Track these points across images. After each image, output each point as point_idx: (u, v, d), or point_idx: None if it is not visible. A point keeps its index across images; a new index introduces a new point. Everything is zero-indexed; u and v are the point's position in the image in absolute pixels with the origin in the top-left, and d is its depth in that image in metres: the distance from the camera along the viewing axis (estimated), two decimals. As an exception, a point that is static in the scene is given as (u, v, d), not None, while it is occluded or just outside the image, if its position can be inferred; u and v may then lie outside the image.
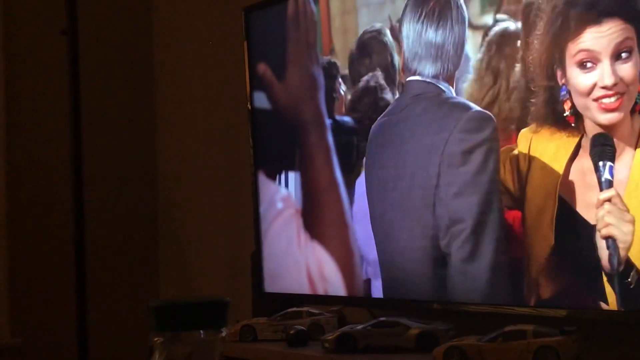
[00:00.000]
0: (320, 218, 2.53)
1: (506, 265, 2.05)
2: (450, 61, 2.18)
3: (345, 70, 2.47)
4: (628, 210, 1.81)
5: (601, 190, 1.85)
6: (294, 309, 2.44)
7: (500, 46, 2.06)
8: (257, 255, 2.73)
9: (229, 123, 3.26)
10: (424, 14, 2.22)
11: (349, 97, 2.46)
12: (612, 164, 1.85)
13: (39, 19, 3.39)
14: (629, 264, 1.81)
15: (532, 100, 1.98)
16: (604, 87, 1.85)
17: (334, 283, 2.49)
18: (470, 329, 2.02)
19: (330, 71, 2.51)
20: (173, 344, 0.69)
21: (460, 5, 2.15)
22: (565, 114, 1.92)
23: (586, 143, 1.91)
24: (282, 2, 2.60)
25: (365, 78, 2.40)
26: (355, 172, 2.43)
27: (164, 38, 3.61)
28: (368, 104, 2.38)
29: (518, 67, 2.02)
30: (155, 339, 0.70)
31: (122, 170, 3.57)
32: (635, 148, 1.83)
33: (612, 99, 1.85)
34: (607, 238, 1.83)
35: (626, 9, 1.82)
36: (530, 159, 2.00)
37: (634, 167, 1.82)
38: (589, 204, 1.89)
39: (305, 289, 2.56)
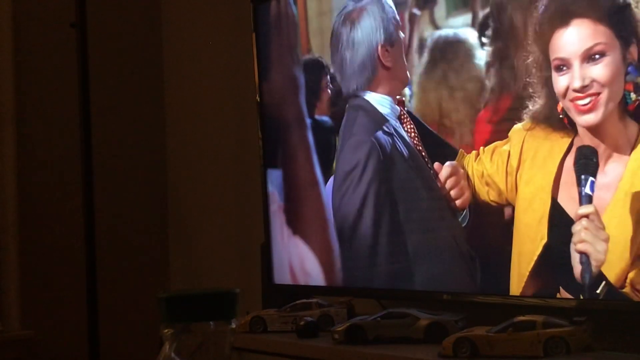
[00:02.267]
0: (301, 214, 2.60)
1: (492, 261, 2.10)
2: None
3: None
4: (604, 228, 1.81)
5: (581, 204, 1.85)
6: (304, 300, 2.44)
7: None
8: (266, 247, 2.73)
9: (238, 115, 3.26)
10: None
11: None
12: (593, 179, 1.85)
13: (48, 11, 3.40)
14: (600, 277, 1.82)
15: (530, 101, 1.99)
16: (574, 90, 1.86)
17: (314, 277, 2.55)
18: (480, 320, 2.02)
19: (315, 69, 2.55)
20: (183, 335, 0.70)
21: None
22: (560, 116, 1.92)
23: (579, 142, 1.91)
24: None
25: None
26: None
27: (172, 30, 3.61)
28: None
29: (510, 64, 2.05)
30: (166, 330, 0.70)
31: (132, 162, 3.57)
32: (630, 153, 1.80)
33: (586, 101, 1.85)
34: (581, 253, 1.84)
35: (597, 10, 1.82)
36: (522, 156, 2.01)
37: (625, 175, 1.80)
38: (575, 199, 1.89)
39: (288, 283, 2.64)
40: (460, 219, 2.16)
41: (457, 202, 2.16)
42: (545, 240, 1.96)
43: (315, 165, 2.56)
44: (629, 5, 1.77)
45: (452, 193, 2.16)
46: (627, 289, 1.79)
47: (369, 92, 2.36)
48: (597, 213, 1.83)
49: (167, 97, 3.63)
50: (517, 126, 2.02)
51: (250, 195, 3.03)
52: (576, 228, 1.86)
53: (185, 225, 3.55)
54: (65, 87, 3.27)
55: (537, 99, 1.97)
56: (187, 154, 3.54)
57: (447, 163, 2.18)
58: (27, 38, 3.40)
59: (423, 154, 2.27)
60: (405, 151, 2.29)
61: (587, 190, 1.85)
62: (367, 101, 2.36)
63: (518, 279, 2.02)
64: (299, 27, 2.62)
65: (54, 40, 3.36)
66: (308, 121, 2.58)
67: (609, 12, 1.81)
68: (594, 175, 1.85)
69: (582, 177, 1.86)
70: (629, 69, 1.79)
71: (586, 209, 1.84)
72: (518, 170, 2.03)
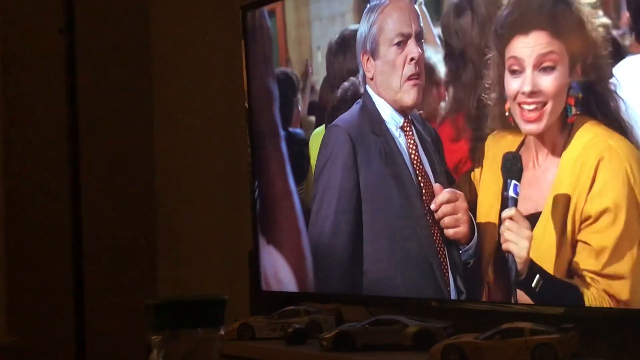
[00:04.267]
0: (275, 224, 2.65)
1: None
2: None
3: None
4: (529, 227, 1.96)
5: (506, 206, 1.98)
6: (292, 307, 2.44)
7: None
8: (254, 254, 2.73)
9: (226, 122, 3.26)
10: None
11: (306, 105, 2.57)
12: (517, 183, 1.98)
13: (37, 17, 3.39)
14: (532, 270, 1.95)
15: (490, 103, 2.07)
16: (523, 94, 1.96)
17: (287, 286, 2.61)
18: (467, 327, 2.02)
19: (289, 82, 2.58)
20: (172, 342, 0.69)
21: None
22: (506, 114, 2.02)
23: (528, 142, 2.01)
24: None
25: (344, 84, 2.44)
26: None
27: (161, 36, 3.61)
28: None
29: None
30: (154, 337, 0.70)
31: (120, 169, 3.56)
32: (560, 155, 1.94)
33: (532, 107, 1.96)
34: (507, 252, 1.99)
35: (554, 24, 1.93)
36: (482, 163, 2.10)
37: (560, 167, 1.93)
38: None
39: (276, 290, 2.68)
40: (461, 252, 2.15)
41: (450, 232, 2.16)
42: (498, 242, 2.05)
43: (288, 175, 2.59)
44: (583, 24, 1.88)
45: (446, 220, 2.17)
46: (574, 280, 1.89)
47: (371, 90, 2.34)
48: (519, 214, 1.97)
49: (155, 103, 3.63)
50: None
51: (239, 202, 3.03)
52: (502, 229, 2.00)
53: (174, 232, 3.54)
54: (53, 93, 3.26)
55: (491, 95, 2.05)
56: (176, 160, 3.54)
57: (449, 189, 2.18)
58: (15, 44, 3.39)
59: (417, 171, 2.25)
60: (388, 160, 2.28)
61: (511, 193, 1.98)
62: (370, 98, 2.35)
63: (488, 285, 2.09)
64: (276, 39, 2.66)
65: (42, 46, 3.35)
66: (282, 132, 2.62)
67: (564, 30, 1.92)
68: (518, 180, 1.98)
69: (507, 180, 1.99)
70: (573, 84, 1.92)
71: (509, 211, 1.98)
72: (481, 177, 2.10)
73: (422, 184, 2.24)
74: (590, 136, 1.90)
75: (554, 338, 1.82)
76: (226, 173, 3.26)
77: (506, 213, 1.98)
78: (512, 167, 1.99)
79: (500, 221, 2.02)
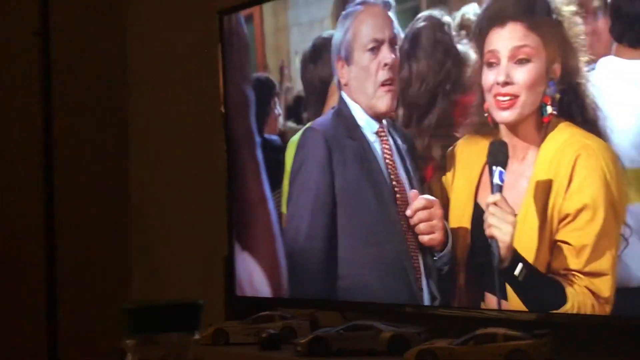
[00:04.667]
0: (250, 230, 2.66)
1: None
2: None
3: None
4: (513, 213, 1.96)
5: (492, 193, 2.00)
6: (267, 312, 2.43)
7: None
8: (229, 260, 2.73)
9: (202, 126, 3.25)
10: None
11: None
12: (502, 170, 1.99)
13: (11, 20, 3.37)
14: (515, 259, 1.96)
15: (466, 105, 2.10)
16: (498, 84, 1.99)
17: (262, 291, 2.62)
18: (442, 333, 2.03)
19: (265, 88, 2.58)
20: (146, 346, 0.69)
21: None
22: (485, 114, 2.04)
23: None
24: (258, 3, 2.63)
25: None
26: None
27: (137, 40, 3.59)
28: None
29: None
30: (128, 341, 0.69)
31: (94, 173, 3.54)
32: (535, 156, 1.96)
33: (506, 98, 1.99)
34: (491, 238, 1.99)
35: (530, 18, 1.96)
36: (455, 166, 2.12)
37: (536, 165, 1.96)
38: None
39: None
40: (435, 259, 2.16)
41: (424, 238, 2.18)
42: (469, 245, 2.07)
43: (264, 182, 2.60)
44: (561, 23, 1.91)
45: (421, 226, 2.18)
46: (557, 276, 1.90)
47: (346, 96, 2.34)
48: (504, 199, 1.98)
49: (130, 107, 3.61)
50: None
51: (215, 208, 3.02)
52: (486, 215, 2.01)
53: (149, 237, 3.52)
54: (27, 96, 3.23)
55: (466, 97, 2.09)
56: (151, 164, 3.52)
57: (425, 196, 2.19)
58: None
59: (392, 176, 2.26)
60: (364, 164, 2.29)
61: (496, 180, 1.99)
62: (346, 104, 2.35)
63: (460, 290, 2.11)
64: (254, 45, 2.66)
65: (16, 48, 3.33)
66: (258, 139, 2.62)
67: (541, 23, 1.95)
68: (504, 166, 1.99)
69: (493, 167, 2.00)
70: (550, 83, 1.94)
71: (493, 197, 1.99)
72: (453, 181, 2.12)
73: (396, 190, 2.25)
74: (566, 136, 1.92)
75: (527, 344, 1.83)
76: (202, 179, 3.25)
77: (491, 199, 1.99)
78: (498, 154, 2.00)
79: (473, 225, 2.04)
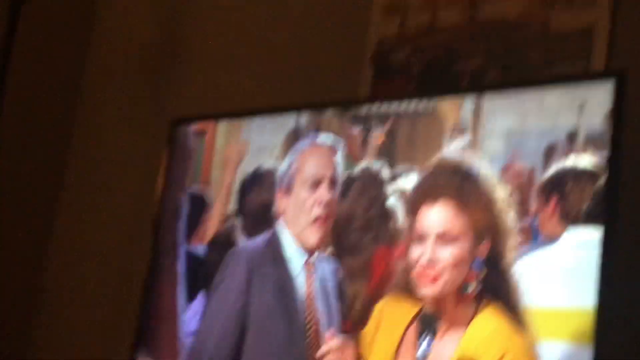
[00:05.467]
0: (156, 341, 2.61)
1: None
2: None
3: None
4: None
5: None
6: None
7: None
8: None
9: (133, 229, 3.23)
10: None
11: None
12: (432, 339, 1.96)
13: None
14: None
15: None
16: (421, 264, 1.97)
17: None
18: None
19: (199, 202, 2.60)
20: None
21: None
22: (410, 284, 2.02)
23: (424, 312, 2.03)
24: (211, 118, 2.68)
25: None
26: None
27: (84, 128, 3.60)
28: None
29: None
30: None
31: (9, 255, 3.47)
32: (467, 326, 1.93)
33: (429, 275, 1.96)
34: None
35: (462, 197, 1.97)
36: (378, 323, 2.09)
37: (460, 346, 1.92)
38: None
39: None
40: None
41: None
42: None
43: (179, 294, 2.57)
44: (493, 203, 1.93)
45: None
46: None
47: (281, 225, 2.36)
48: None
49: (63, 196, 3.58)
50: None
51: (125, 312, 2.97)
52: None
53: (53, 333, 3.43)
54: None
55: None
56: (72, 254, 3.47)
57: (339, 338, 2.16)
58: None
59: (308, 312, 2.25)
60: (282, 295, 2.28)
61: (423, 346, 1.96)
62: (278, 233, 2.36)
63: None
64: (201, 158, 2.68)
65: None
66: (181, 251, 2.61)
67: (472, 203, 1.96)
68: (433, 336, 1.96)
69: (423, 334, 1.98)
70: (475, 262, 1.93)
71: None
72: (375, 337, 2.09)
73: (308, 327, 2.23)
74: (493, 326, 1.90)
75: None
76: (120, 280, 3.22)
77: None
78: (430, 322, 1.98)
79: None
